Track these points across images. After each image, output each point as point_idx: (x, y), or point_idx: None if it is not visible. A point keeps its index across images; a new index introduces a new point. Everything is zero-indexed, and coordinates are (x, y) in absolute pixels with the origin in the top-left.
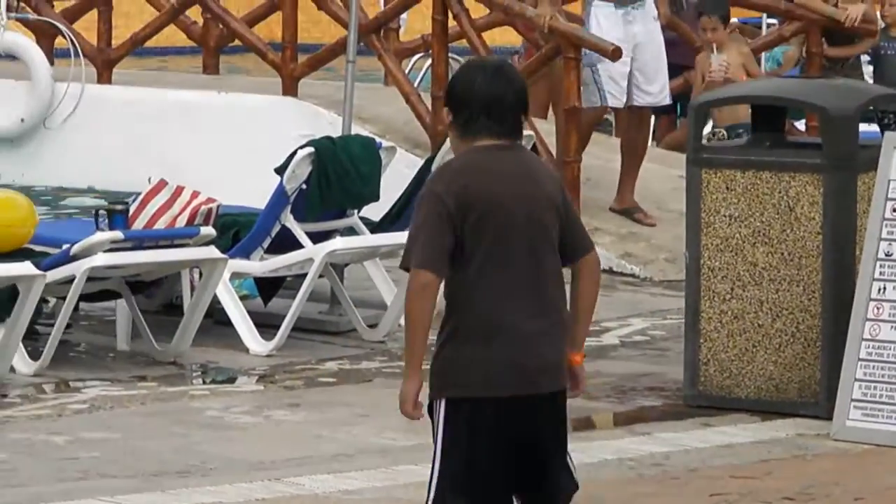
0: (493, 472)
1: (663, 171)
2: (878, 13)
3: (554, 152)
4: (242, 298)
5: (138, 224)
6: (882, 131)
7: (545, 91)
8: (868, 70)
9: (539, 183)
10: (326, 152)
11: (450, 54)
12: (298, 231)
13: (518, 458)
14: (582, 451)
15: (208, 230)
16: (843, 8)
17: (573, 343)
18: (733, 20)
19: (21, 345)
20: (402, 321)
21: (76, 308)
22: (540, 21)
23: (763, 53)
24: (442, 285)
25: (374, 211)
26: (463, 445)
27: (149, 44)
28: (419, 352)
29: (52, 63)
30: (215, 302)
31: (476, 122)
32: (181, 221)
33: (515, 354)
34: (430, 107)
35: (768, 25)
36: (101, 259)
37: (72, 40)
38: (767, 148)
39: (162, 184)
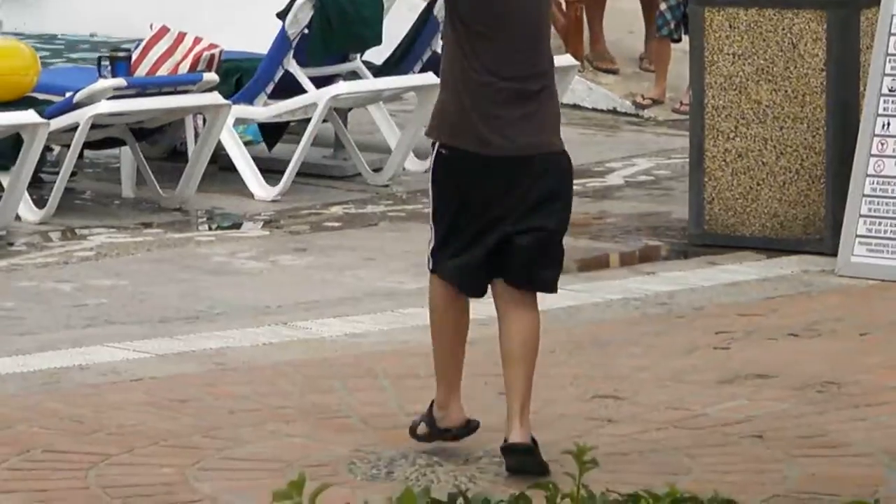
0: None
1: None
2: None
3: None
4: (246, 144)
5: (141, 71)
6: None
7: None
8: None
9: None
10: None
11: None
12: (301, 76)
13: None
14: (587, 292)
15: (211, 76)
16: None
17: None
18: None
19: (26, 193)
20: (406, 165)
21: (80, 156)
22: None
23: None
24: None
25: (377, 55)
26: None
27: None
28: None
29: None
30: (219, 148)
31: None
32: (184, 68)
33: None
34: None
35: None
36: (104, 106)
37: None
38: None
39: (164, 30)
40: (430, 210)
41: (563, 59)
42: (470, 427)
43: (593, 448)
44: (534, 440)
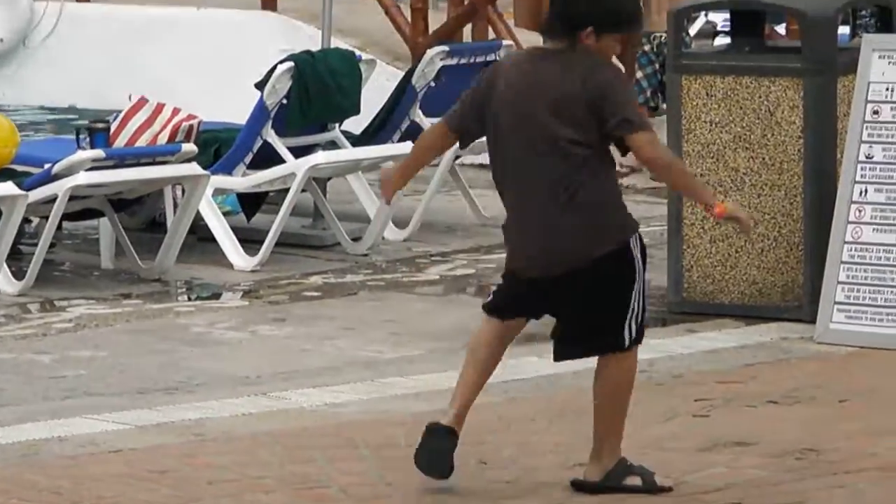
0: None
1: None
2: None
3: None
4: (225, 214)
5: (120, 142)
6: (853, 33)
7: (533, 1)
8: None
9: (555, 85)
10: (306, 66)
11: None
12: (280, 146)
13: None
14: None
15: (190, 147)
16: None
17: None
18: None
19: (5, 265)
20: (386, 234)
21: (59, 227)
22: None
23: None
24: None
25: (356, 124)
26: None
27: None
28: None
29: None
30: (198, 218)
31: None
32: (162, 138)
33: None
34: (409, 18)
35: None
36: (83, 178)
37: None
38: (747, 53)
39: (143, 101)
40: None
41: None
42: None
43: None
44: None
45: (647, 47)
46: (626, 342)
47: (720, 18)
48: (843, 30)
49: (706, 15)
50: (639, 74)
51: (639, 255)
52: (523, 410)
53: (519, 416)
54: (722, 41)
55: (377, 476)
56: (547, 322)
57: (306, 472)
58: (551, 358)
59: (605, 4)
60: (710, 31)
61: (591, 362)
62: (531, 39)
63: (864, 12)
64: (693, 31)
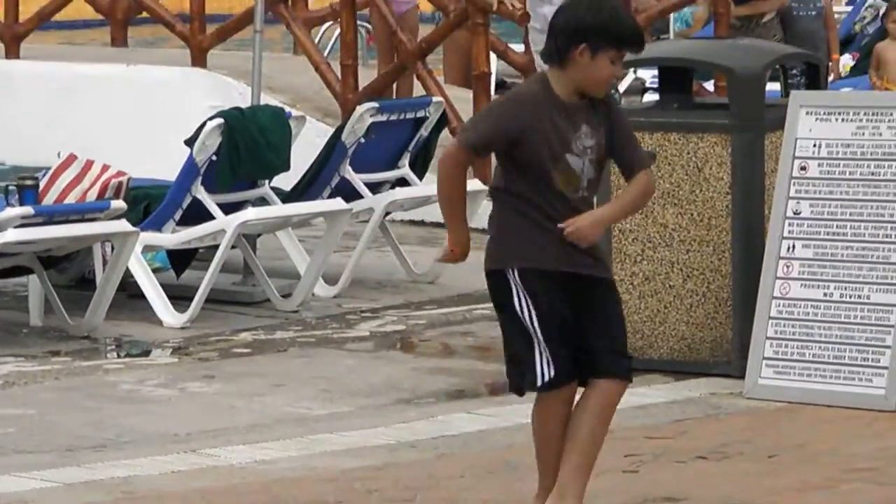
0: None
1: None
2: None
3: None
4: (155, 271)
5: (49, 199)
6: (784, 90)
7: (462, 58)
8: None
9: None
10: (236, 123)
11: (358, 22)
12: (210, 202)
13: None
14: (497, 416)
15: (119, 203)
16: None
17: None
18: None
19: None
20: (316, 291)
21: None
22: None
23: (672, 14)
24: None
25: (286, 181)
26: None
27: (56, 17)
28: None
29: None
30: (128, 275)
31: None
32: (92, 195)
33: None
34: (339, 75)
35: None
36: (11, 235)
37: None
38: (675, 109)
39: (72, 158)
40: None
41: (471, 184)
42: None
43: None
44: None
45: None
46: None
47: (649, 75)
48: (775, 87)
49: (635, 71)
50: None
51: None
52: (453, 467)
53: (448, 472)
54: (651, 98)
55: None
56: (475, 378)
57: None
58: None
59: (601, 17)
60: (639, 88)
61: (522, 418)
62: (461, 96)
63: (794, 70)
64: (622, 87)
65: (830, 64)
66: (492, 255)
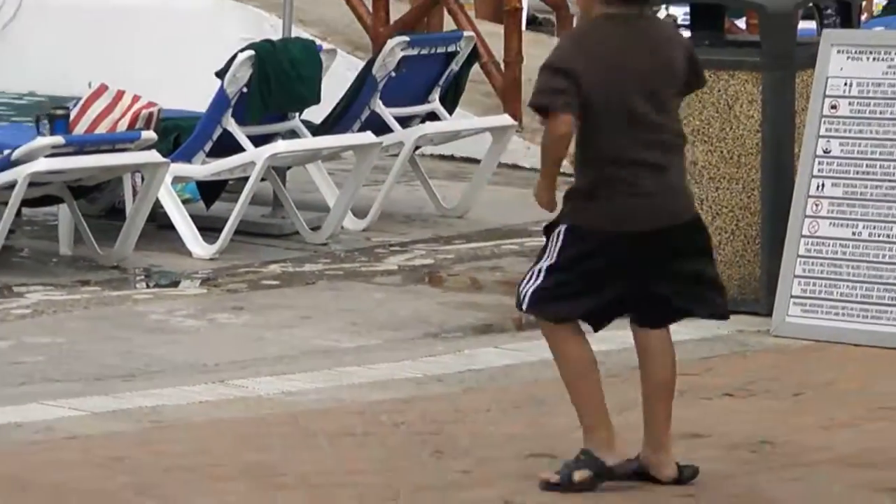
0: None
1: None
2: None
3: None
4: (185, 202)
5: (79, 129)
6: (820, 28)
7: None
8: None
9: (657, 52)
10: (267, 55)
11: None
12: (240, 134)
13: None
14: (524, 351)
15: (149, 134)
16: None
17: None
18: None
19: None
20: (345, 224)
21: (18, 213)
22: None
23: None
24: None
25: (316, 114)
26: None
27: None
28: None
29: None
30: (157, 206)
31: None
32: (122, 126)
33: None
34: (370, 8)
35: None
36: (42, 164)
37: None
38: (706, 46)
39: (102, 88)
40: None
41: (501, 119)
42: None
43: None
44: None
45: None
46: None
47: (681, 12)
48: (811, 25)
49: (667, 8)
50: None
51: None
52: (479, 401)
53: (474, 406)
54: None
55: (334, 465)
56: (503, 313)
57: (263, 460)
58: (508, 348)
59: None
60: (671, 24)
61: (548, 353)
62: (492, 31)
63: (829, 10)
64: None
65: (864, 3)
66: None
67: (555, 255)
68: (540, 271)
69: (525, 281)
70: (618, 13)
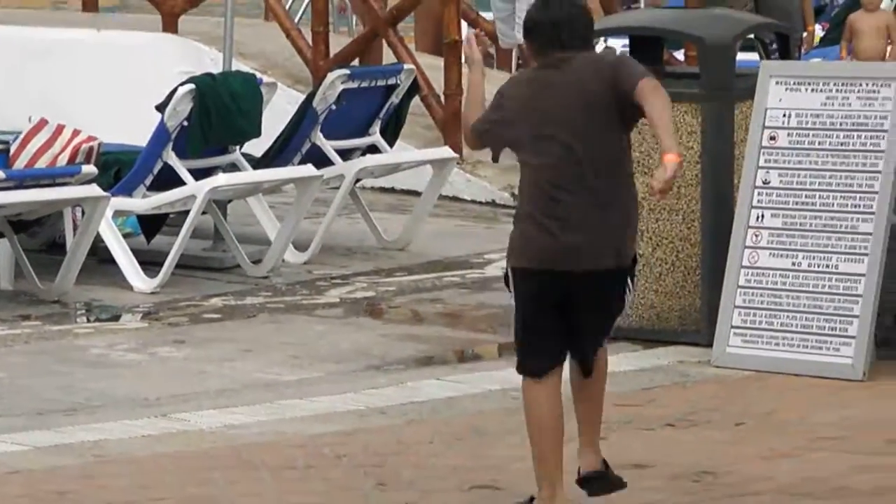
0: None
1: None
2: None
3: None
4: (125, 236)
5: (19, 163)
6: (763, 59)
7: (433, 25)
8: None
9: (573, 83)
10: (207, 89)
11: None
12: (181, 168)
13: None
14: (466, 383)
15: (90, 168)
16: None
17: (662, 148)
18: None
19: None
20: (286, 257)
21: None
22: None
23: None
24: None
25: (257, 147)
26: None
27: None
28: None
29: None
30: (98, 240)
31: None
32: (62, 160)
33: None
34: (310, 42)
35: None
36: None
37: None
38: None
39: (42, 122)
40: None
41: (441, 152)
42: None
43: None
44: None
45: None
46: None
47: (619, 44)
48: (754, 56)
49: (605, 41)
50: None
51: None
52: (421, 433)
53: (417, 438)
54: None
55: (275, 497)
56: (444, 345)
57: (206, 493)
58: (450, 380)
59: None
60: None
61: (491, 384)
62: (432, 63)
63: (773, 45)
64: None
65: (805, 35)
66: None
67: None
68: None
69: None
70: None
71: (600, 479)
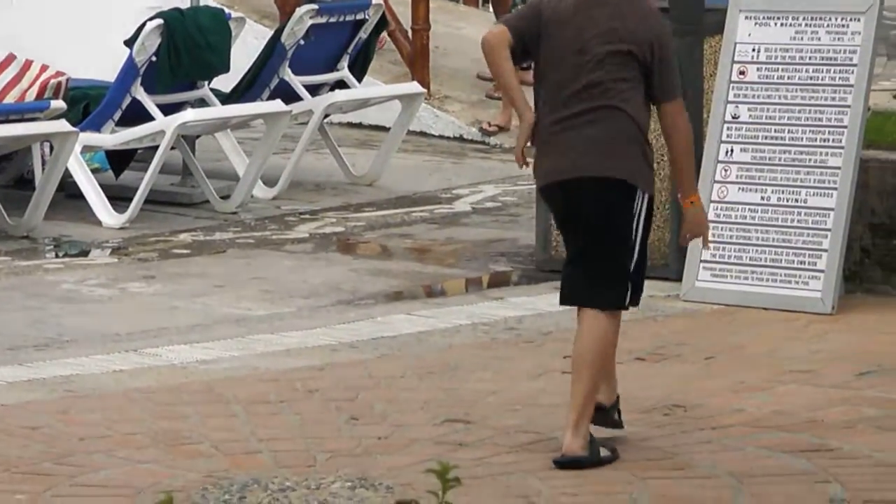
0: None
1: None
2: None
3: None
4: (94, 171)
5: None
6: None
7: None
8: None
9: (621, 18)
10: (176, 24)
11: None
12: (149, 103)
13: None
14: (436, 318)
15: (58, 103)
16: None
17: (680, 189)
18: None
19: None
20: (255, 192)
21: None
22: None
23: None
24: None
25: (225, 82)
26: None
27: None
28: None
29: None
30: (67, 175)
31: None
32: (30, 95)
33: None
34: None
35: None
36: None
37: None
38: None
39: (10, 58)
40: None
41: (409, 87)
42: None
43: (455, 467)
44: (591, 442)
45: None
46: (626, 300)
47: None
48: None
49: None
50: None
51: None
52: (393, 367)
53: (389, 373)
54: None
55: (248, 431)
56: (414, 280)
57: (178, 428)
58: (421, 315)
59: None
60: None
61: (461, 319)
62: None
63: None
64: None
65: None
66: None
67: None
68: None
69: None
70: None
71: (572, 467)
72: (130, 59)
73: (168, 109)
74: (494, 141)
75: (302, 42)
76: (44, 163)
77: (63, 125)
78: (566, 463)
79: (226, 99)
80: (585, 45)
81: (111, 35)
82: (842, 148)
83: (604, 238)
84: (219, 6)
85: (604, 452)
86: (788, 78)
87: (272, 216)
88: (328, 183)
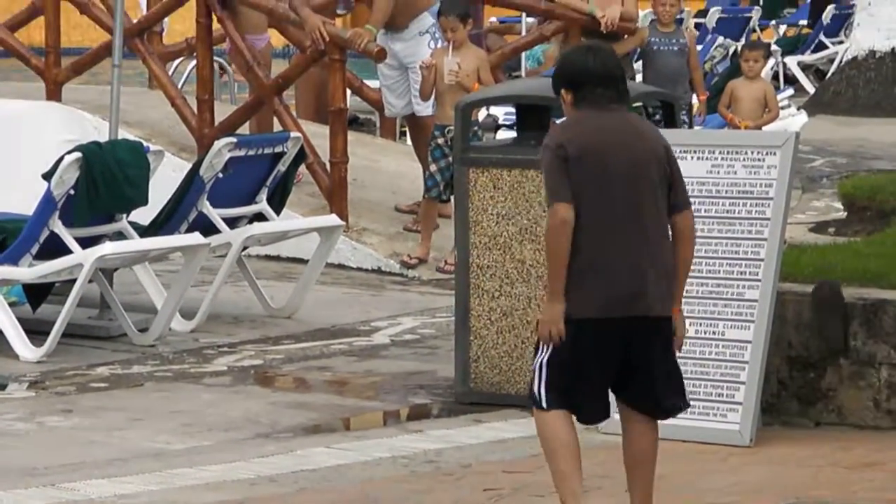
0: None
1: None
2: (640, 11)
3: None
4: (11, 305)
5: None
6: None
7: (314, 93)
8: (638, 66)
9: (641, 136)
10: (94, 157)
11: (214, 57)
12: (67, 236)
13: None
14: (355, 450)
15: None
16: (602, 9)
17: (672, 297)
18: (491, 19)
19: None
20: (173, 325)
21: None
22: (307, 25)
23: (523, 52)
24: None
25: (144, 215)
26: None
27: None
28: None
29: None
30: None
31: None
32: None
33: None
34: (195, 110)
35: (528, 24)
36: None
37: None
38: (532, 146)
39: None
40: None
41: (327, 220)
42: None
43: None
44: None
45: (440, 140)
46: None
47: (501, 112)
48: None
49: (488, 108)
50: (433, 167)
51: None
52: (313, 501)
53: None
54: (504, 135)
55: None
56: (333, 413)
57: None
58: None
59: None
60: (492, 125)
61: (380, 452)
62: (317, 131)
63: (657, 116)
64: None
65: (697, 104)
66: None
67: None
68: None
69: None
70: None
71: None
72: (49, 193)
73: (86, 242)
74: (413, 273)
75: (220, 175)
76: None
77: None
78: None
79: (144, 232)
80: (631, 170)
81: (28, 168)
82: (759, 281)
83: None
84: (137, 139)
85: None
86: (705, 211)
87: (190, 349)
88: (246, 315)
